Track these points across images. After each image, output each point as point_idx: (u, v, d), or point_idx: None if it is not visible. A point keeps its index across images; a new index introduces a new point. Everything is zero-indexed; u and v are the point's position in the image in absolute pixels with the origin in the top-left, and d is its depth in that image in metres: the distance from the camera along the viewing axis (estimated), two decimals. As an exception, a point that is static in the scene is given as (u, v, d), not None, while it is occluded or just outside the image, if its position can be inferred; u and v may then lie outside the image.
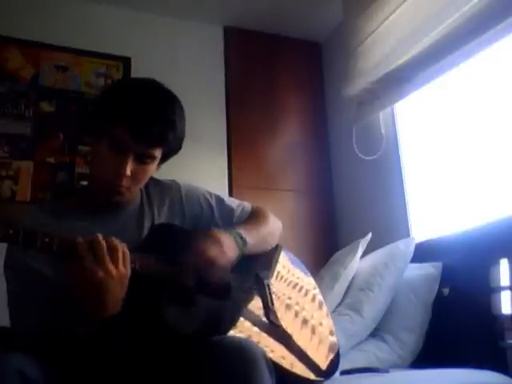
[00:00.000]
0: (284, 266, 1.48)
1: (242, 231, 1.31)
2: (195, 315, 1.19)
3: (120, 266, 1.04)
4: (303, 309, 1.41)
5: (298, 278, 1.49)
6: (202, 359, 1.07)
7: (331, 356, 1.36)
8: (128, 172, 1.17)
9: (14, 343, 1.11)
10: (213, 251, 1.21)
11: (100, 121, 1.22)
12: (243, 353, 1.04)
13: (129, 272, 1.07)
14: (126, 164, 1.17)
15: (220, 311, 1.24)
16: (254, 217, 1.45)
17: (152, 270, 1.15)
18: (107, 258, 1.02)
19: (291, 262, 1.52)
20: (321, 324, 1.41)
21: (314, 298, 1.47)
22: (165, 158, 1.29)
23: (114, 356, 1.15)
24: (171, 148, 1.26)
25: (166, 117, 1.20)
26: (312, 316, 1.41)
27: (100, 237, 1.04)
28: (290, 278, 1.46)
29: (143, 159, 1.20)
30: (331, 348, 1.38)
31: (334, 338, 1.42)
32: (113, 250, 1.04)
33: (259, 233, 1.38)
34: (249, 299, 1.31)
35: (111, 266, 1.02)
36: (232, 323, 1.23)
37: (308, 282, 1.51)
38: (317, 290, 1.52)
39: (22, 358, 0.99)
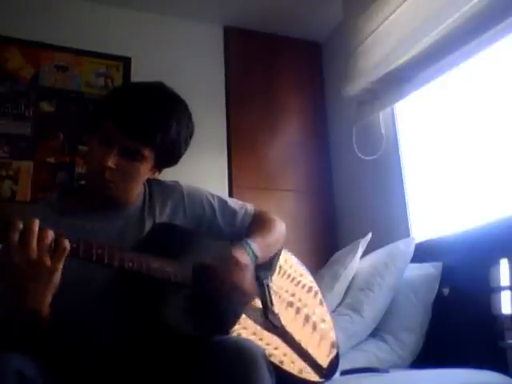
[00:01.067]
0: (286, 261, 1.49)
1: (255, 246, 1.31)
2: (195, 315, 1.19)
3: (46, 258, 0.97)
4: (305, 305, 1.42)
5: (300, 274, 1.50)
6: (202, 359, 1.06)
7: (333, 353, 1.37)
8: (110, 163, 1.16)
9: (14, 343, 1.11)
10: (235, 276, 1.21)
11: (95, 117, 1.24)
12: (243, 353, 1.04)
13: (56, 267, 0.98)
14: (110, 156, 1.16)
15: (220, 311, 1.24)
16: (261, 225, 1.43)
17: (150, 270, 1.15)
18: (31, 246, 0.95)
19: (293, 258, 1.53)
20: (323, 321, 1.43)
21: (316, 294, 1.48)
22: (159, 163, 1.27)
23: (113, 356, 1.15)
24: (163, 152, 1.23)
25: (160, 117, 1.20)
26: (314, 312, 1.42)
27: (33, 223, 0.97)
28: (292, 273, 1.47)
29: (131, 155, 1.19)
30: (333, 345, 1.39)
31: (334, 336, 1.43)
32: (42, 240, 0.97)
33: (268, 244, 1.38)
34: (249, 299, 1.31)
35: (34, 255, 0.95)
36: (232, 323, 1.23)
37: (310, 279, 1.52)
38: (318, 288, 1.53)
39: (21, 358, 0.98)
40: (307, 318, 1.39)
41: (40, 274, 0.97)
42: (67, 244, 1.00)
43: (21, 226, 0.96)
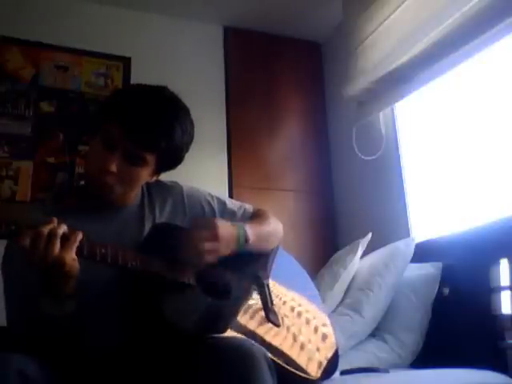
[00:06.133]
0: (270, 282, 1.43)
1: (247, 228, 1.30)
2: (195, 313, 1.19)
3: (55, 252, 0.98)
4: (293, 324, 1.37)
5: (280, 293, 1.43)
6: (203, 360, 1.07)
7: (319, 372, 1.32)
8: (112, 168, 1.16)
9: (14, 343, 1.11)
10: (205, 245, 1.18)
11: (99, 117, 1.23)
12: (244, 353, 1.04)
13: (65, 258, 0.99)
14: (112, 160, 1.16)
15: (219, 309, 1.24)
16: (256, 217, 1.44)
17: (152, 269, 1.15)
18: (42, 244, 0.98)
19: (273, 278, 1.45)
20: (309, 341, 1.37)
21: (299, 314, 1.42)
22: (160, 167, 1.27)
23: (115, 355, 1.15)
24: (165, 157, 1.23)
25: (164, 124, 1.19)
26: (300, 331, 1.37)
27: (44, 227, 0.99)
28: (277, 293, 1.41)
29: (133, 160, 1.19)
30: (318, 365, 1.34)
31: (319, 356, 1.37)
32: (51, 236, 0.99)
33: (261, 231, 1.37)
34: (247, 298, 1.31)
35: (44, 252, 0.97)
36: (230, 321, 1.22)
37: (291, 297, 1.45)
38: (302, 308, 1.45)
39: (22, 358, 0.99)
40: (295, 338, 1.33)
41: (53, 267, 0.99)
42: (77, 236, 1.01)
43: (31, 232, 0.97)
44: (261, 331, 1.27)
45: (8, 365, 0.95)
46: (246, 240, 1.29)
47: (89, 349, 1.15)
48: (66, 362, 1.12)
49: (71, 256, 1.00)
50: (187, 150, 1.29)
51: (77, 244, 1.01)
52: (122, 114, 1.18)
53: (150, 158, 1.21)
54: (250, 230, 1.31)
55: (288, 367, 1.23)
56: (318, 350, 1.38)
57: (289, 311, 1.39)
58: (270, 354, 1.18)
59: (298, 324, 1.38)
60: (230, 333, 1.20)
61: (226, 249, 1.23)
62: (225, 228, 1.24)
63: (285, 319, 1.35)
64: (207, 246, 1.19)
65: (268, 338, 1.27)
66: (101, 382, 1.14)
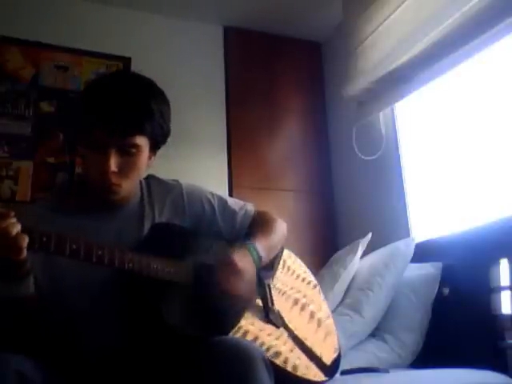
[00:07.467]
0: (290, 257, 1.52)
1: (259, 248, 1.31)
2: (196, 315, 1.19)
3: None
4: (312, 301, 1.45)
5: (304, 271, 1.53)
6: (201, 360, 1.07)
7: (338, 349, 1.40)
8: (113, 167, 1.16)
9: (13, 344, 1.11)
10: (232, 284, 1.22)
11: (78, 126, 1.23)
12: (242, 353, 1.04)
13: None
14: (109, 160, 1.16)
15: (221, 311, 1.23)
16: (264, 226, 1.43)
17: (151, 270, 1.15)
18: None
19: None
20: (328, 317, 1.46)
21: (320, 292, 1.52)
22: (154, 147, 1.27)
23: (113, 356, 1.15)
24: (154, 135, 1.23)
25: (138, 104, 1.19)
26: (320, 308, 1.45)
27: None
28: (297, 270, 1.50)
29: (127, 150, 1.18)
30: (338, 339, 1.43)
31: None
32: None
33: (271, 245, 1.38)
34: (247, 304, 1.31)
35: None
36: (233, 324, 1.23)
37: (311, 275, 1.56)
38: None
39: (21, 358, 0.99)
40: (312, 315, 1.42)
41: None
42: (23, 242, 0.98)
43: None
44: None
45: (7, 365, 0.95)
46: (260, 259, 1.31)
47: (86, 351, 1.15)
48: (65, 364, 1.12)
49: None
50: (170, 120, 1.28)
51: (12, 220, 0.97)
52: (98, 116, 1.17)
53: (142, 141, 1.20)
54: (259, 246, 1.32)
55: (287, 368, 1.23)
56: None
57: (311, 288, 1.51)
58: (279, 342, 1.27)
59: (318, 302, 1.49)
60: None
61: (247, 275, 1.25)
62: (240, 256, 1.26)
63: (302, 299, 1.44)
64: (233, 284, 1.22)
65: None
66: (99, 383, 1.14)
